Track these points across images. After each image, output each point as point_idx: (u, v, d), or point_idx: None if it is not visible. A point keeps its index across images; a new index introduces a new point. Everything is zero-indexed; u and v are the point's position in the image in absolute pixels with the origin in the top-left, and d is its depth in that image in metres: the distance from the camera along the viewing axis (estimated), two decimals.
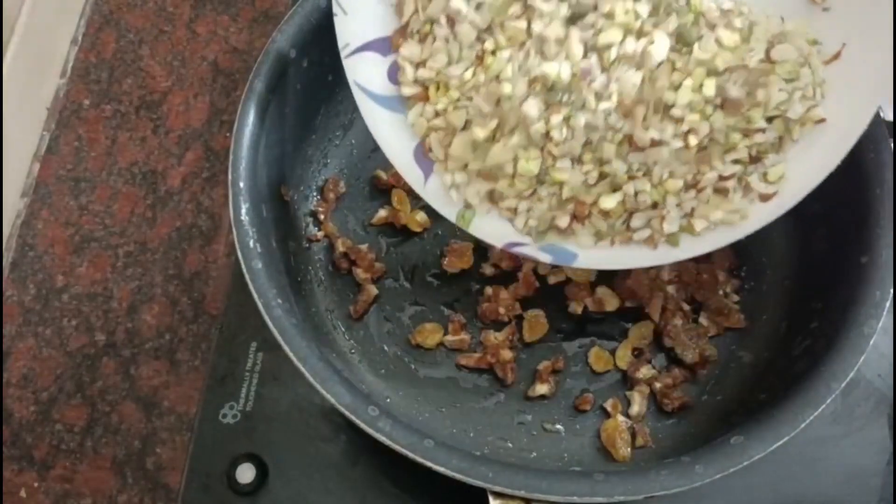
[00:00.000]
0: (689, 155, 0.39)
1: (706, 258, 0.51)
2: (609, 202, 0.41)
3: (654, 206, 0.41)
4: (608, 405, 0.49)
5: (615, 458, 0.47)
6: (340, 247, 0.53)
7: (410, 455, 0.38)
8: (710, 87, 0.38)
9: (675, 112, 0.38)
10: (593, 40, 0.38)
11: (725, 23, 0.39)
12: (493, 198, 0.44)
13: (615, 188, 0.41)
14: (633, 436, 0.48)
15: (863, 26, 0.38)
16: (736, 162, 0.40)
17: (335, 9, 0.42)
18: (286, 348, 0.39)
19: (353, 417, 0.38)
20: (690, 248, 0.43)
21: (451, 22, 0.40)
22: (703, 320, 0.51)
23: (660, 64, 0.38)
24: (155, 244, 0.65)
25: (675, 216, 0.41)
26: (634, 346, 0.50)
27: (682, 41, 0.38)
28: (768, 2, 0.40)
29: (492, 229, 0.44)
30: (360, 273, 0.52)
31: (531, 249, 0.44)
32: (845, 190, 0.45)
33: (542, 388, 0.49)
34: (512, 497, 0.37)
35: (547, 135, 0.39)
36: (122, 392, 0.60)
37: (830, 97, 0.39)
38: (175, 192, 0.67)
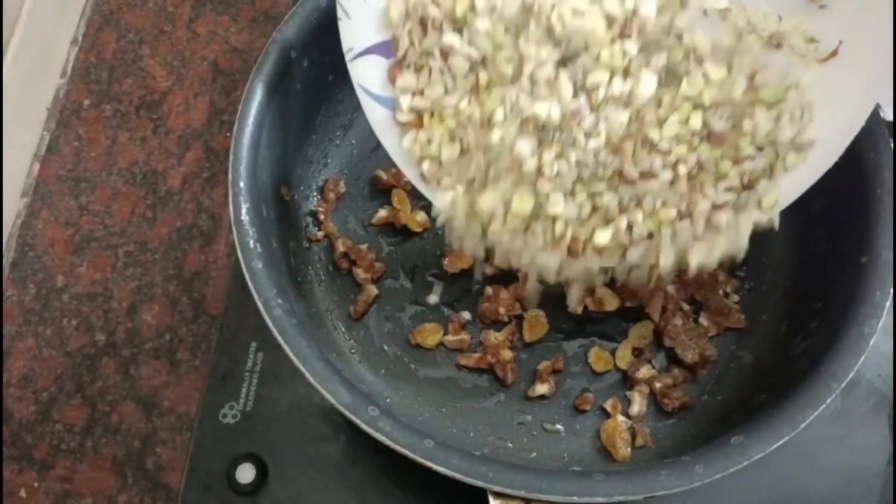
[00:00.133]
0: (681, 185, 0.39)
1: None
2: (603, 237, 0.41)
3: (650, 236, 0.41)
4: (608, 405, 0.49)
5: (615, 458, 0.47)
6: (341, 247, 0.53)
7: (410, 455, 0.38)
8: (696, 121, 0.38)
9: (662, 145, 0.39)
10: (582, 80, 0.38)
11: (712, 55, 0.39)
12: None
13: (608, 220, 0.41)
14: (633, 436, 0.48)
15: (860, 24, 0.38)
16: (728, 190, 0.40)
17: (339, 13, 0.43)
18: (286, 348, 0.39)
19: (353, 417, 0.38)
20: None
21: (445, 55, 0.40)
22: (703, 320, 0.51)
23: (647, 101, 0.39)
24: (155, 244, 0.65)
25: (670, 248, 0.41)
26: (634, 346, 0.50)
27: (670, 75, 0.39)
28: (766, 0, 0.40)
29: None
30: (360, 273, 0.52)
31: None
32: (845, 190, 0.45)
33: (541, 388, 0.49)
34: (512, 497, 0.37)
35: (539, 171, 0.39)
36: (122, 392, 0.60)
37: (828, 95, 0.39)
38: (175, 192, 0.67)
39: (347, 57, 0.43)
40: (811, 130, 0.39)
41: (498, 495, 0.37)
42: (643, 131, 0.38)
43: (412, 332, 0.51)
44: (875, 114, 0.43)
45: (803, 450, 0.49)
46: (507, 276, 0.52)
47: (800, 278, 0.49)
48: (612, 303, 0.51)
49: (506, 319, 0.51)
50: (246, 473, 0.48)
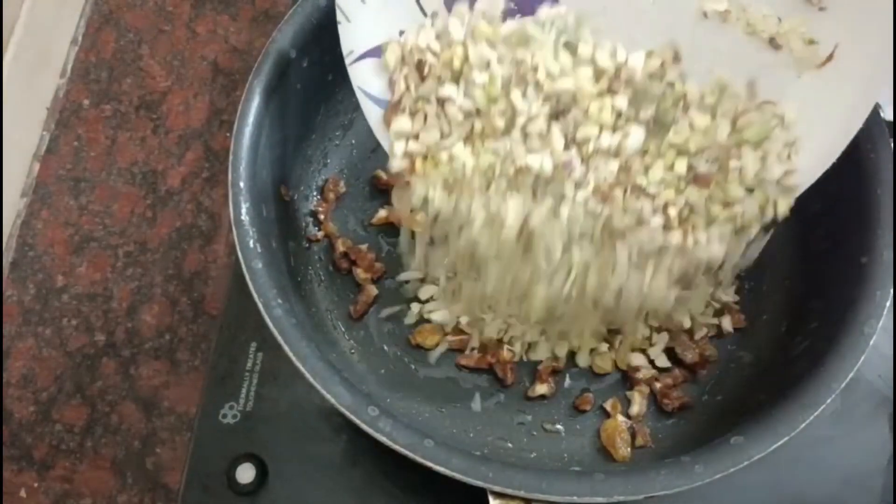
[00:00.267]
0: (673, 230, 0.39)
1: None
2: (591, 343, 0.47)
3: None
4: (608, 405, 0.49)
5: (615, 458, 0.47)
6: (340, 247, 0.53)
7: (410, 455, 0.38)
8: (681, 166, 0.39)
9: (650, 189, 0.39)
10: (573, 133, 0.39)
11: (699, 103, 0.40)
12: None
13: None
14: (633, 436, 0.48)
15: (860, 25, 0.38)
16: (721, 235, 0.40)
17: (339, 16, 0.43)
18: (286, 348, 0.39)
19: (353, 417, 0.38)
20: None
21: (442, 102, 0.41)
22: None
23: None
24: (155, 244, 0.65)
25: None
26: (634, 346, 0.50)
27: (657, 123, 0.39)
28: (765, 0, 0.40)
29: None
30: (360, 273, 0.52)
31: None
32: (845, 190, 0.45)
33: (541, 389, 0.49)
34: (512, 497, 0.37)
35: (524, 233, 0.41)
36: (121, 392, 0.60)
37: (826, 96, 0.39)
38: (175, 192, 0.67)
39: (347, 60, 0.43)
40: (797, 176, 0.40)
41: (498, 495, 0.37)
42: (631, 179, 0.39)
43: (412, 332, 0.51)
44: (875, 114, 0.43)
45: (803, 450, 0.49)
46: None
47: (800, 278, 0.49)
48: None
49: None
50: (246, 473, 0.48)
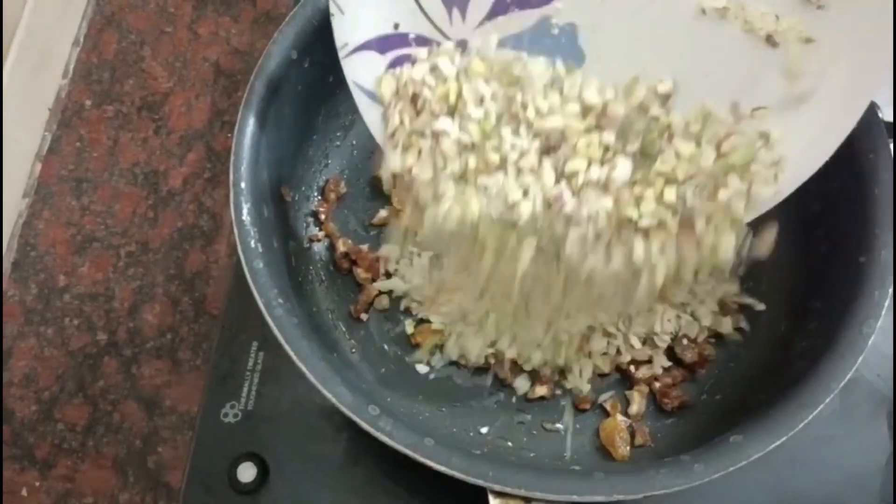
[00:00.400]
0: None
1: None
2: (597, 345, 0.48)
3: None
4: (608, 404, 0.49)
5: (615, 458, 0.47)
6: (341, 247, 0.53)
7: (411, 454, 0.38)
8: (670, 194, 0.39)
9: (643, 222, 0.39)
10: (562, 168, 0.39)
11: (683, 132, 0.40)
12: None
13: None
14: (633, 435, 0.48)
15: (859, 24, 0.38)
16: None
17: (332, 8, 0.43)
18: (287, 348, 0.40)
19: (353, 417, 0.38)
20: None
21: (437, 137, 0.41)
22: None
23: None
24: (156, 244, 0.65)
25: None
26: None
27: (644, 155, 0.40)
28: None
29: None
30: (360, 273, 0.52)
31: None
32: (844, 190, 0.45)
33: (541, 391, 0.49)
34: (512, 496, 0.37)
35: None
36: (123, 391, 0.60)
37: (824, 91, 0.39)
38: (176, 192, 0.67)
39: (341, 53, 0.43)
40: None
41: (498, 494, 0.38)
42: (620, 213, 0.40)
43: (412, 332, 0.51)
44: (874, 114, 0.43)
45: (803, 450, 0.49)
46: None
47: (799, 278, 0.49)
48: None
49: None
50: (247, 472, 0.48)
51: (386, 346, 0.51)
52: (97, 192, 0.67)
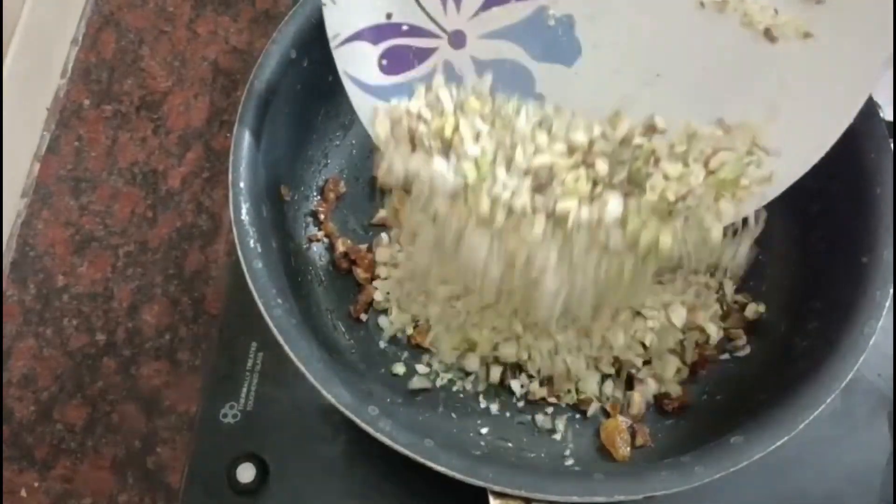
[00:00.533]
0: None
1: None
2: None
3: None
4: (608, 405, 0.49)
5: (615, 458, 0.47)
6: (341, 247, 0.53)
7: (411, 455, 0.38)
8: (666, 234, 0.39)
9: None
10: (553, 208, 0.39)
11: (669, 154, 0.40)
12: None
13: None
14: (633, 435, 0.48)
15: (857, 21, 0.38)
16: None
17: None
18: (287, 348, 0.40)
19: (353, 417, 0.38)
20: None
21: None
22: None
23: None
24: (155, 244, 0.65)
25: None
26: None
27: (632, 183, 0.40)
28: None
29: None
30: (360, 273, 0.52)
31: None
32: (845, 190, 0.45)
33: (541, 391, 0.49)
34: (512, 497, 0.37)
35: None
36: (122, 392, 0.60)
37: (821, 86, 0.39)
38: (175, 192, 0.67)
39: (333, 44, 0.43)
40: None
41: (498, 495, 0.38)
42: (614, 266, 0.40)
43: (412, 332, 0.51)
44: (875, 114, 0.43)
45: (803, 450, 0.49)
46: None
47: (800, 278, 0.49)
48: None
49: None
50: (246, 473, 0.48)
51: (385, 347, 0.51)
52: (96, 191, 0.67)
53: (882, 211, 0.43)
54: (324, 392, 0.39)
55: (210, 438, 0.49)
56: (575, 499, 0.37)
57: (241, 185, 0.43)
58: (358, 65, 0.43)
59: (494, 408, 0.49)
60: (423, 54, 0.44)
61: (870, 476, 0.49)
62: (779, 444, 0.38)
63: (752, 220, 0.40)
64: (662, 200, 0.39)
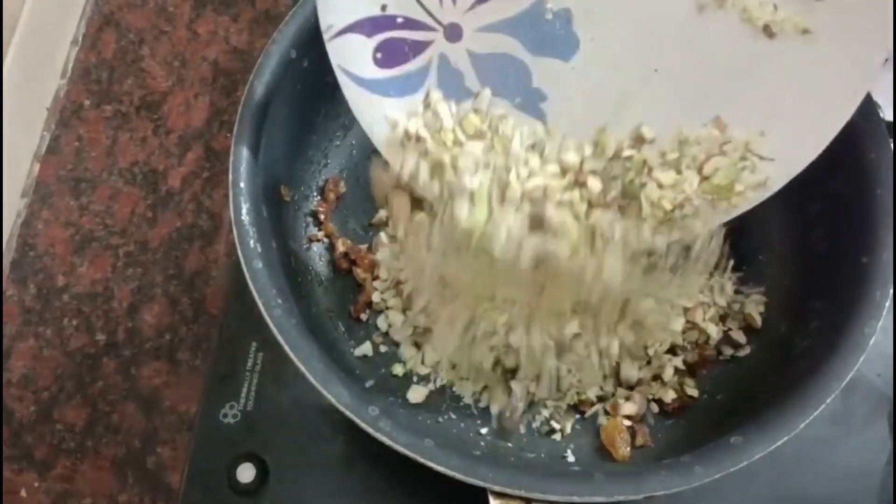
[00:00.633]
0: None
1: None
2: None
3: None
4: (608, 405, 0.49)
5: (615, 458, 0.47)
6: (341, 247, 0.53)
7: (410, 455, 0.38)
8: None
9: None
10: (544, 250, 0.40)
11: (661, 162, 0.40)
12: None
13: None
14: (633, 435, 0.48)
15: (856, 19, 0.38)
16: None
17: None
18: (286, 348, 0.40)
19: (353, 417, 0.38)
20: None
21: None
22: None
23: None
24: (155, 244, 0.65)
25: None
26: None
27: (627, 196, 0.40)
28: None
29: None
30: (360, 273, 0.52)
31: None
32: (845, 190, 0.45)
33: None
34: (512, 497, 0.37)
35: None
36: (122, 392, 0.60)
37: (819, 83, 0.39)
38: (176, 192, 0.67)
39: (326, 36, 0.42)
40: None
41: (498, 495, 0.38)
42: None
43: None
44: (875, 114, 0.43)
45: (803, 450, 0.49)
46: None
47: (800, 278, 0.49)
48: None
49: None
50: (246, 473, 0.48)
51: (385, 347, 0.51)
52: (96, 191, 0.67)
53: (882, 211, 0.43)
54: (323, 392, 0.39)
55: (210, 438, 0.49)
56: (575, 499, 0.37)
57: (241, 185, 0.43)
58: (352, 58, 0.43)
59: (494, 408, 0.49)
60: (419, 47, 0.43)
61: (870, 476, 0.49)
62: (779, 444, 0.38)
63: None
64: (658, 209, 0.39)
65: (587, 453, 0.48)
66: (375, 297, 0.51)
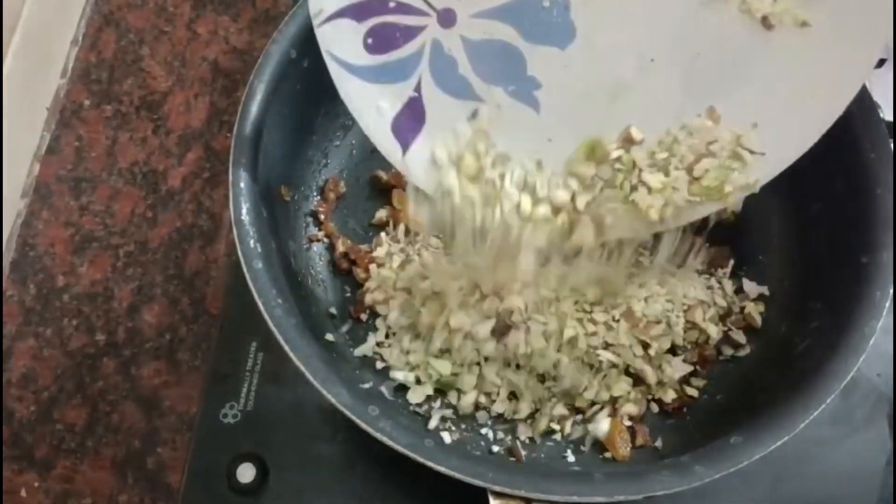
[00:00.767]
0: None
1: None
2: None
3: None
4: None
5: (615, 458, 0.47)
6: (340, 246, 0.53)
7: (411, 455, 0.38)
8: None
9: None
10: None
11: (650, 163, 0.40)
12: None
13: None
14: (633, 435, 0.48)
15: (855, 11, 0.38)
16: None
17: None
18: (286, 348, 0.40)
19: (353, 417, 0.38)
20: None
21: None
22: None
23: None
24: (155, 244, 0.65)
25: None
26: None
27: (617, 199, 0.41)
28: None
29: None
30: (360, 273, 0.52)
31: None
32: (845, 190, 0.45)
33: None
34: (512, 497, 0.37)
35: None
36: (122, 392, 0.60)
37: (816, 78, 0.39)
38: (176, 192, 0.67)
39: (315, 22, 0.41)
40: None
41: (498, 495, 0.38)
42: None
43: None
44: (875, 114, 0.43)
45: (803, 450, 0.49)
46: None
47: (800, 278, 0.49)
48: None
49: None
50: (246, 473, 0.48)
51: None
52: (96, 191, 0.67)
53: (882, 211, 0.43)
54: (324, 392, 0.39)
55: (210, 438, 0.49)
56: (575, 499, 0.37)
57: (242, 185, 0.43)
58: (342, 44, 0.42)
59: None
60: (411, 33, 0.42)
61: (869, 476, 0.49)
62: (779, 444, 0.38)
63: None
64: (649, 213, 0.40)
65: (587, 453, 0.48)
66: (367, 299, 0.51)
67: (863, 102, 0.43)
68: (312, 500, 0.48)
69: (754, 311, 0.50)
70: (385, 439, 0.38)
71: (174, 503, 0.52)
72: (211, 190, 0.67)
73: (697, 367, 0.50)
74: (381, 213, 0.55)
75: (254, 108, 0.45)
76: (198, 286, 0.63)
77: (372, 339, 0.50)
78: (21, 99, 0.67)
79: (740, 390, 0.48)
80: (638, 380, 0.49)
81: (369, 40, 0.42)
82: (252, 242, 0.42)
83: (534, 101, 0.42)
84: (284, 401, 0.50)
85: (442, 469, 0.37)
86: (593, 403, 0.49)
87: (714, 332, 0.49)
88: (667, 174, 0.40)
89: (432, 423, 0.47)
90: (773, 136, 0.40)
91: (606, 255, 0.44)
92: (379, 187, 0.55)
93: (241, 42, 0.73)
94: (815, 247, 0.48)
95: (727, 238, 0.51)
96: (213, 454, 0.48)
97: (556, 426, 0.48)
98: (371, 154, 0.55)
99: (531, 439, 0.48)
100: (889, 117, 0.45)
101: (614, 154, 0.40)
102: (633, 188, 0.40)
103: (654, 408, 0.49)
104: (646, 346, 0.48)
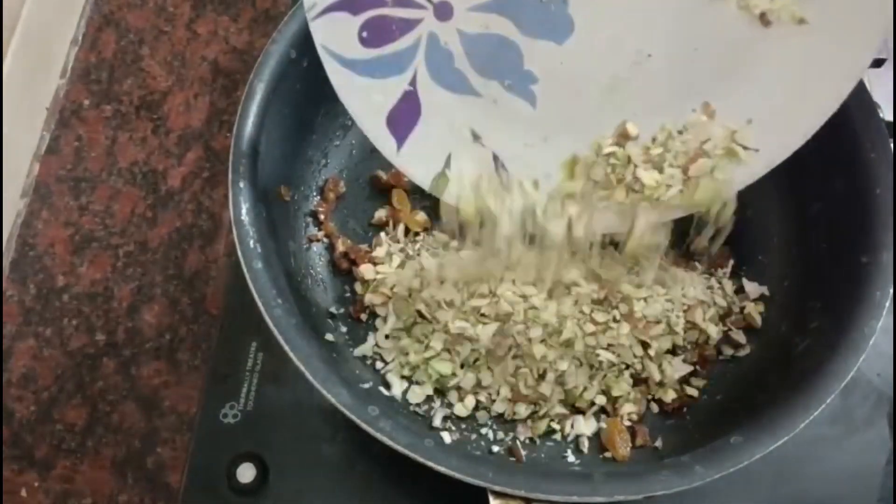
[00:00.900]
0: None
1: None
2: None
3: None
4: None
5: (615, 458, 0.47)
6: (340, 246, 0.53)
7: (411, 455, 0.38)
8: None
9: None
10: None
11: (644, 159, 0.40)
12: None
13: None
14: (633, 436, 0.48)
15: (852, 8, 0.38)
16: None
17: None
18: (286, 348, 0.40)
19: (353, 417, 0.38)
20: None
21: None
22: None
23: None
24: (155, 244, 0.65)
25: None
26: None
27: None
28: None
29: None
30: (359, 273, 0.52)
31: None
32: (845, 190, 0.45)
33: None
34: (512, 497, 0.37)
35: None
36: (122, 392, 0.60)
37: (811, 74, 0.39)
38: (175, 192, 0.67)
39: (310, 15, 0.41)
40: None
41: (498, 495, 0.38)
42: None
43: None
44: (875, 114, 0.43)
45: (803, 450, 0.49)
46: None
47: (800, 278, 0.49)
48: None
49: None
50: (246, 473, 0.48)
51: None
52: (95, 191, 0.67)
53: (882, 211, 0.43)
54: (324, 392, 0.39)
55: (210, 438, 0.49)
56: (575, 499, 0.37)
57: (241, 185, 0.43)
58: (336, 37, 0.41)
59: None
60: (407, 26, 0.42)
61: (869, 476, 0.49)
62: (779, 444, 0.38)
63: None
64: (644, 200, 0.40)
65: (587, 453, 0.48)
66: (367, 300, 0.51)
67: (863, 102, 0.43)
68: (312, 500, 0.48)
69: (754, 311, 0.50)
70: (385, 439, 0.38)
71: (174, 503, 0.52)
72: (211, 190, 0.67)
73: (697, 367, 0.50)
74: (381, 213, 0.55)
75: (253, 108, 0.45)
76: (198, 286, 0.63)
77: (372, 339, 0.50)
78: (21, 99, 0.67)
79: (740, 390, 0.48)
80: (638, 380, 0.49)
81: (364, 33, 0.42)
82: (252, 242, 0.42)
83: (530, 96, 0.42)
84: (284, 401, 0.50)
85: (442, 469, 0.37)
86: (593, 403, 0.48)
87: (714, 332, 0.49)
88: (661, 171, 0.40)
89: (434, 423, 0.47)
90: (766, 133, 0.40)
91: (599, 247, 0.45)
92: (379, 187, 0.55)
93: (240, 42, 0.74)
94: (815, 247, 0.48)
95: (727, 238, 0.51)
96: (213, 454, 0.48)
97: (556, 426, 0.48)
98: (371, 154, 0.55)
99: (531, 439, 0.48)
100: (889, 117, 0.45)
101: (609, 149, 0.40)
102: (630, 187, 0.40)
103: (654, 408, 0.49)
104: (646, 346, 0.48)
